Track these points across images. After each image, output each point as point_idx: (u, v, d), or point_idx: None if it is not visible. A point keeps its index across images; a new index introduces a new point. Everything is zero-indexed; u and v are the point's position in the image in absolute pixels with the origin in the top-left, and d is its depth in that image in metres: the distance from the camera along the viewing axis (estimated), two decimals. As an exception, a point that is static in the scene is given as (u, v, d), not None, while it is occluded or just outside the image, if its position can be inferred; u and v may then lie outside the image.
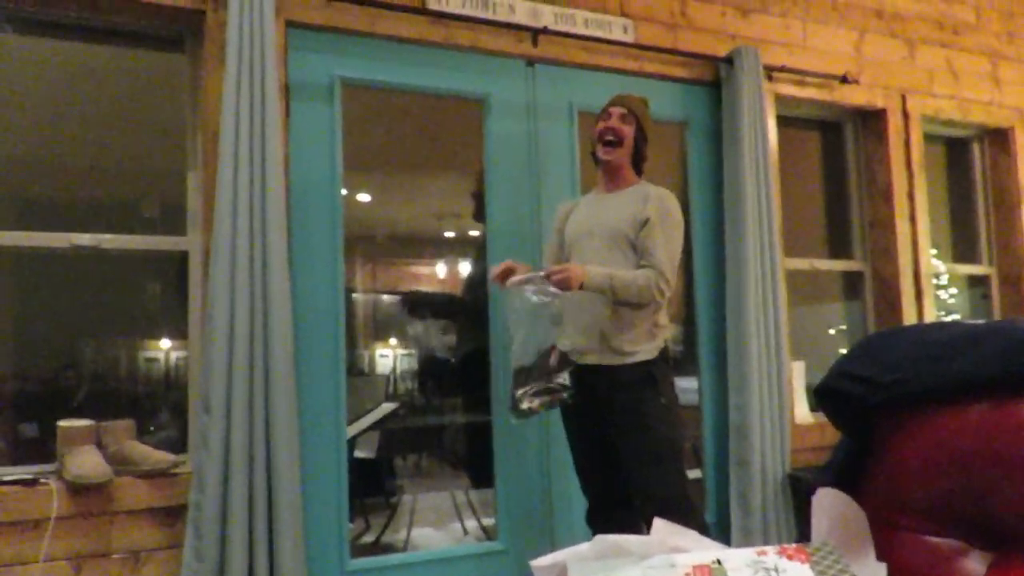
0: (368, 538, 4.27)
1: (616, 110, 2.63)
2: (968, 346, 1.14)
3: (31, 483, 2.34)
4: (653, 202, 2.54)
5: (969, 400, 1.10)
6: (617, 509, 2.60)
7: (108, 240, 2.62)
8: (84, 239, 2.58)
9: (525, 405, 2.36)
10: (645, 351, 2.51)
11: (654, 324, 2.55)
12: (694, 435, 4.06)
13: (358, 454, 4.72)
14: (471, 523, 4.55)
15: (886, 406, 1.17)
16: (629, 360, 2.49)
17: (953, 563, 1.06)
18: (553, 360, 2.38)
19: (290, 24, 2.79)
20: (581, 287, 2.41)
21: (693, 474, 4.73)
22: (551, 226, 2.84)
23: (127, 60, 2.84)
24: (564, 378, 2.37)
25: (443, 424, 7.29)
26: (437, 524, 4.87)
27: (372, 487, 4.89)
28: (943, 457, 1.10)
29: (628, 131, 2.62)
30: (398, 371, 8.17)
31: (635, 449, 2.45)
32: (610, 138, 2.60)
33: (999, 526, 1.05)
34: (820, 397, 1.27)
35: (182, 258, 2.74)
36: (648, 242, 2.50)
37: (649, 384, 2.48)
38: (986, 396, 1.10)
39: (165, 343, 3.51)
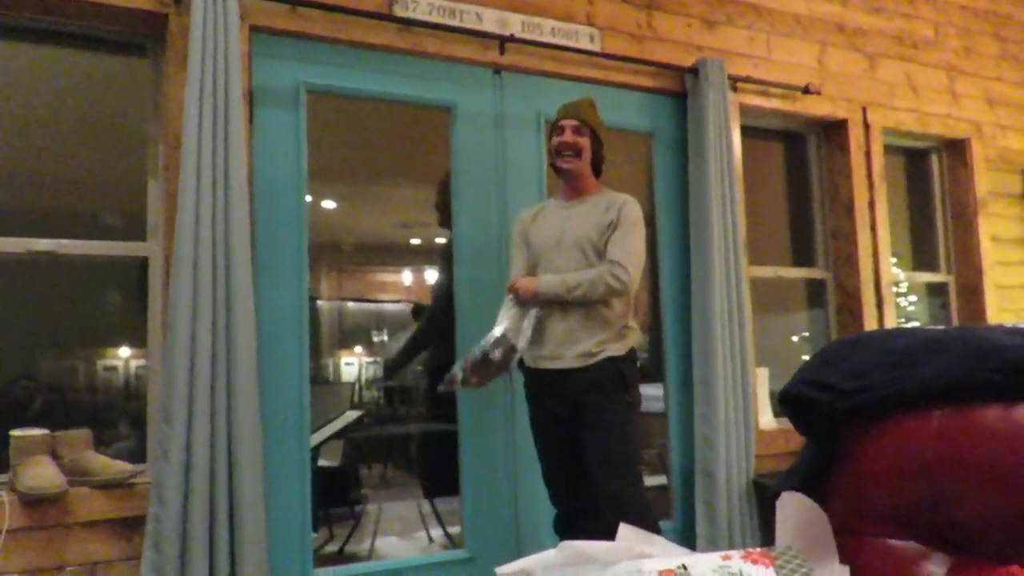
0: (332, 547, 4.23)
1: (568, 123, 2.67)
2: (930, 353, 1.16)
3: (-17, 495, 2.27)
4: (615, 208, 2.61)
5: (931, 406, 1.12)
6: (585, 518, 2.59)
7: (66, 246, 2.56)
8: (41, 244, 2.52)
9: (459, 374, 2.56)
10: (614, 349, 2.56)
11: (624, 326, 2.62)
12: (660, 443, 4.08)
13: (322, 462, 4.67)
14: (436, 532, 4.52)
15: (849, 412, 1.18)
16: (598, 358, 2.54)
17: (914, 567, 1.07)
18: (498, 352, 2.53)
19: (254, 29, 2.76)
20: (535, 297, 2.55)
21: (658, 481, 4.76)
22: (514, 235, 2.85)
23: (87, 65, 2.78)
24: (498, 354, 2.52)
25: (408, 432, 7.25)
26: (402, 533, 4.83)
27: (336, 496, 4.83)
28: (906, 463, 1.12)
29: (584, 142, 2.66)
30: (363, 379, 8.12)
31: (597, 447, 2.47)
32: (568, 153, 2.66)
33: (960, 531, 1.06)
34: (784, 403, 1.28)
35: (141, 267, 2.69)
36: (609, 243, 2.58)
37: (616, 381, 2.54)
38: (948, 402, 1.11)
39: (124, 351, 3.45)
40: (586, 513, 2.57)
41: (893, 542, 1.12)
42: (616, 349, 2.57)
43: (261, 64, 2.79)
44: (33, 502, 2.29)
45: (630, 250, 2.56)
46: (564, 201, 2.75)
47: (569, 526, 2.62)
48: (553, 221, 2.71)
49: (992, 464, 1.04)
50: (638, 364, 2.67)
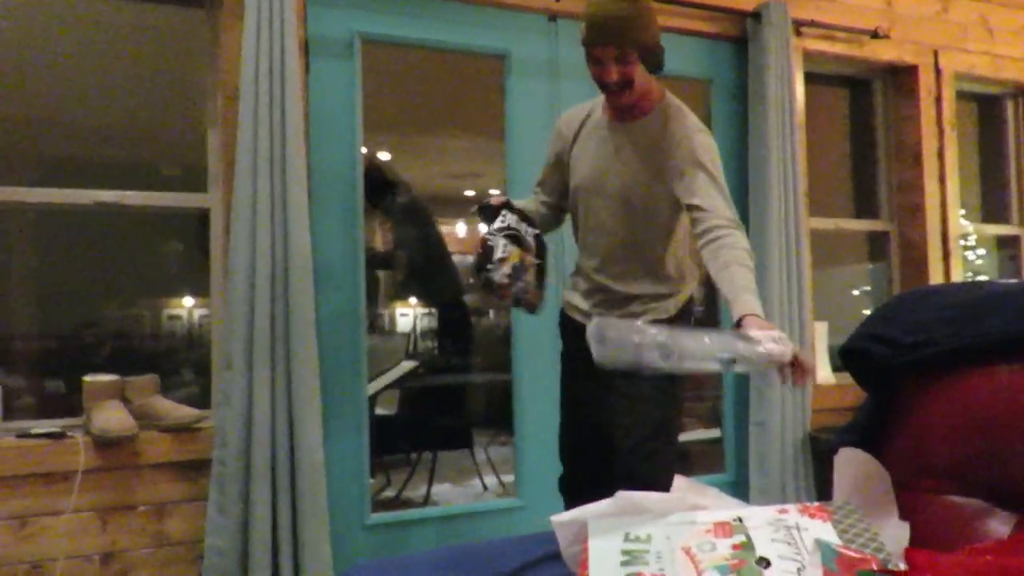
0: (389, 493, 4.33)
1: (606, 53, 1.94)
2: (996, 306, 1.12)
3: (58, 436, 2.38)
4: (685, 141, 2.01)
5: (996, 361, 1.08)
6: (594, 485, 2.16)
7: (130, 197, 2.62)
8: (106, 196, 2.58)
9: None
10: (660, 309, 2.14)
11: (677, 282, 2.18)
12: (713, 395, 4.06)
13: (379, 411, 4.77)
14: (490, 479, 4.60)
15: (911, 367, 1.15)
16: (641, 319, 2.09)
17: (976, 524, 1.05)
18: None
19: (309, -22, 2.75)
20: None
21: (711, 434, 4.74)
22: (549, 143, 2.32)
23: (146, 17, 2.81)
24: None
25: (463, 383, 7.34)
26: (456, 481, 4.93)
27: (392, 444, 4.93)
28: (968, 419, 1.09)
29: (631, 71, 1.95)
30: (418, 330, 8.22)
31: (625, 417, 2.11)
32: (613, 87, 1.99)
33: (1023, 488, 1.04)
34: (845, 358, 1.25)
35: (203, 217, 2.74)
36: (703, 195, 1.96)
37: None
38: (1014, 357, 1.08)
39: (188, 301, 3.54)
40: (597, 483, 2.16)
41: (955, 498, 1.10)
42: (663, 309, 2.14)
43: (316, 14, 2.78)
44: (105, 444, 2.38)
45: (725, 197, 1.98)
46: (612, 120, 2.13)
47: (575, 492, 2.28)
48: (596, 156, 2.14)
49: (1064, 420, 1.01)
50: (692, 322, 2.25)
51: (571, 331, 2.28)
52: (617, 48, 1.91)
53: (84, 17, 2.73)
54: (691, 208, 1.96)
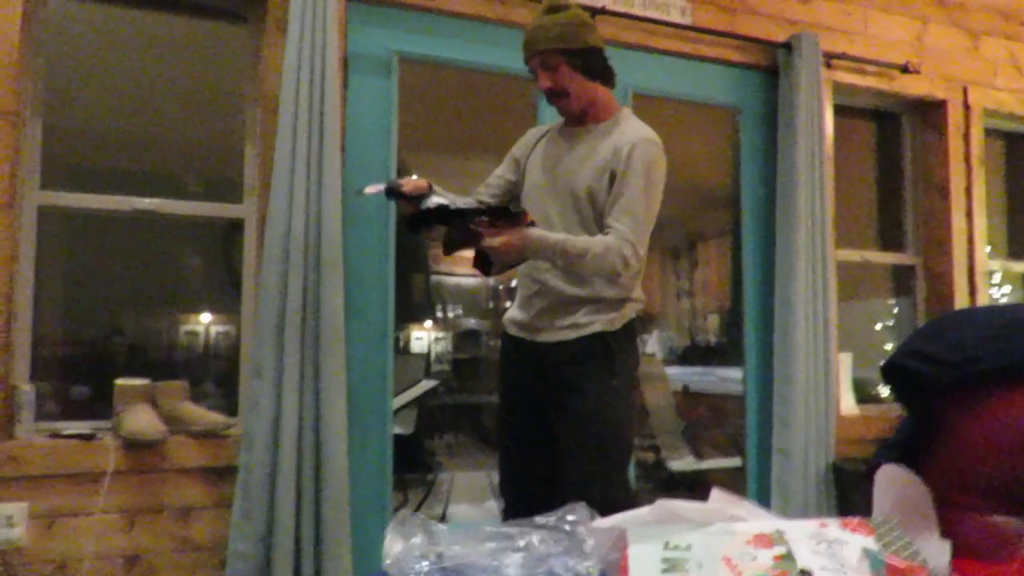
0: (406, 511, 4.34)
1: (533, 63, 2.09)
2: (1044, 325, 1.13)
3: (88, 438, 2.40)
4: (624, 152, 2.03)
5: (1041, 380, 1.10)
6: (533, 483, 2.17)
7: (167, 205, 2.66)
8: (144, 203, 2.63)
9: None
10: (603, 322, 2.09)
11: (624, 298, 2.13)
12: (736, 424, 4.04)
13: (396, 430, 4.78)
14: (507, 502, 4.58)
15: (954, 385, 1.16)
16: (584, 332, 2.08)
17: (1018, 542, 1.05)
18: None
19: (350, -3, 2.82)
20: (518, 253, 1.97)
21: (732, 462, 4.72)
22: (512, 149, 2.36)
23: (189, 31, 2.88)
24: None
25: (480, 403, 7.36)
26: (473, 501, 4.93)
27: (409, 463, 4.94)
28: (1012, 438, 1.09)
29: (563, 77, 2.06)
30: (432, 353, 8.26)
31: (574, 436, 2.04)
32: (553, 97, 2.12)
33: (1070, 507, 1.04)
34: (887, 375, 1.26)
35: (226, 231, 2.79)
36: (616, 201, 2.03)
37: (602, 359, 2.07)
38: (1059, 377, 1.09)
39: (205, 317, 3.58)
40: (536, 479, 2.15)
41: (994, 517, 1.10)
42: (607, 322, 2.09)
43: (356, 32, 2.84)
44: (134, 447, 2.41)
45: (637, 218, 2.01)
46: (566, 128, 2.21)
47: (511, 490, 2.22)
48: (546, 157, 2.19)
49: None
50: (634, 339, 2.18)
51: (508, 349, 2.26)
52: (539, 56, 2.06)
53: (128, 29, 2.80)
54: (606, 218, 2.05)
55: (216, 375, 3.28)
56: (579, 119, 2.17)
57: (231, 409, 2.71)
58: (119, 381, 2.47)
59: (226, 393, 2.89)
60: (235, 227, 2.81)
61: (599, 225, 2.08)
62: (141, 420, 2.40)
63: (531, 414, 2.16)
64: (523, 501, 2.13)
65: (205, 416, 2.52)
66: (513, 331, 2.23)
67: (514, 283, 2.37)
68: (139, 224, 2.81)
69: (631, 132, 2.08)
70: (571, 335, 2.09)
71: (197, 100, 2.95)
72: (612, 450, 2.04)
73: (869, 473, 1.17)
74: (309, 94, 2.55)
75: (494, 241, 1.93)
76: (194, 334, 3.63)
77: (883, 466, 1.12)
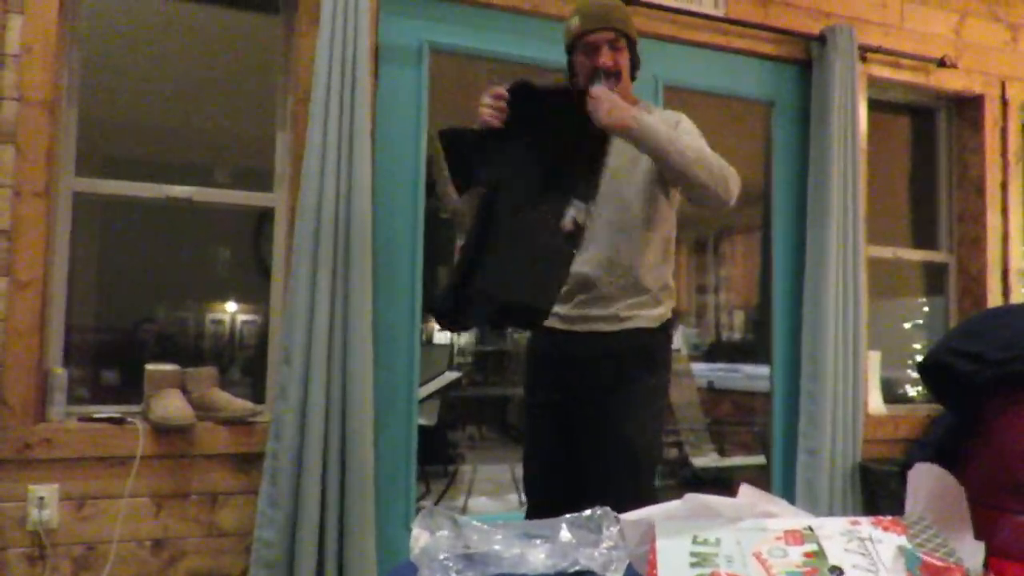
0: (427, 502, 4.35)
1: (602, 37, 1.99)
2: (1090, 324, 1.11)
3: (119, 422, 2.43)
4: (669, 122, 2.01)
5: (1087, 380, 1.07)
6: (559, 483, 2.12)
7: (200, 193, 2.69)
8: (177, 191, 2.66)
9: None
10: (645, 318, 2.05)
11: (663, 285, 2.10)
12: (762, 422, 4.01)
13: (419, 421, 4.80)
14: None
15: (995, 384, 1.13)
16: (624, 326, 2.03)
17: (1058, 545, 1.04)
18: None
19: (382, -13, 2.82)
20: (628, 133, 1.80)
21: (756, 460, 4.69)
22: None
23: (222, 20, 2.90)
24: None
25: (504, 396, 7.37)
26: (493, 494, 4.93)
27: (432, 454, 4.96)
28: (1054, 438, 1.07)
29: (623, 61, 2.03)
30: (456, 345, 8.28)
31: (606, 437, 2.00)
32: (605, 75, 2.00)
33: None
34: (925, 372, 1.24)
35: (258, 221, 2.80)
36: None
37: (641, 357, 2.04)
38: (1105, 377, 1.07)
39: (231, 306, 3.61)
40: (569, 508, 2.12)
41: (1034, 519, 1.08)
42: (648, 318, 2.05)
43: (388, 21, 2.84)
44: (163, 431, 2.43)
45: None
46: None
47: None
48: None
49: None
50: (671, 338, 2.14)
51: (541, 342, 2.17)
52: (614, 32, 1.99)
53: (162, 19, 2.83)
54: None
55: (243, 363, 3.30)
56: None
57: (257, 397, 2.73)
58: (149, 366, 2.50)
59: (253, 382, 2.91)
60: (265, 216, 2.82)
61: (642, 217, 2.04)
62: (170, 405, 2.42)
63: (561, 411, 2.10)
64: (550, 501, 2.06)
65: (234, 403, 2.54)
66: (551, 322, 2.06)
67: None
68: (171, 213, 2.84)
69: (663, 114, 2.07)
70: (611, 327, 2.03)
71: (229, 90, 2.97)
72: (641, 453, 2.00)
73: (903, 471, 1.15)
74: (340, 84, 2.56)
75: (607, 93, 1.80)
76: (220, 323, 3.66)
77: (917, 465, 1.10)
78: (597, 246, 2.04)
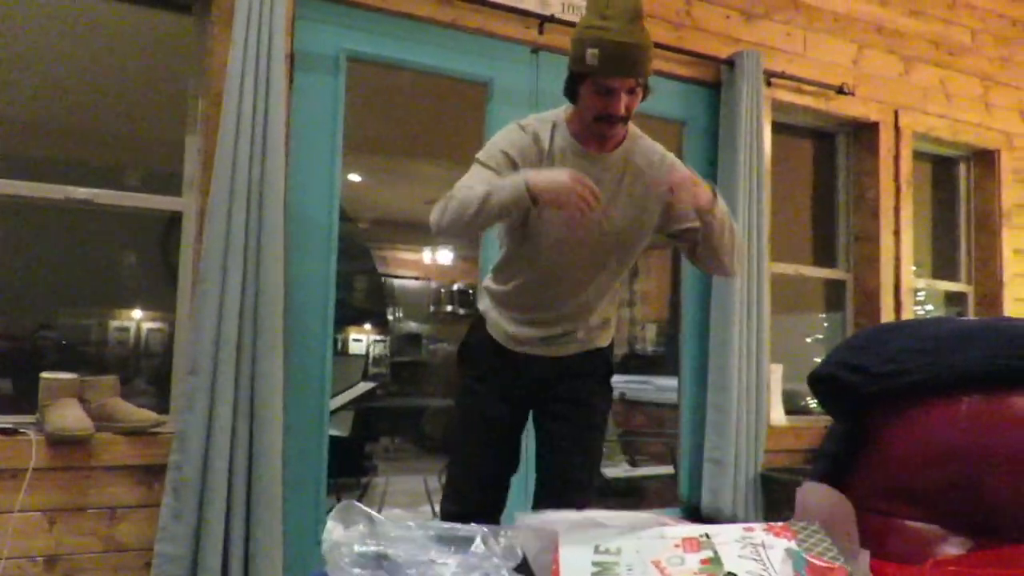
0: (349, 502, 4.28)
1: (624, 84, 1.80)
2: (962, 340, 1.18)
3: (10, 433, 2.32)
4: (668, 166, 1.98)
5: (960, 393, 1.14)
6: (502, 489, 2.13)
7: (102, 196, 2.59)
8: (79, 193, 2.56)
9: None
10: (608, 335, 2.16)
11: (613, 310, 2.20)
12: (671, 433, 4.10)
13: (332, 432, 4.73)
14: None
15: (880, 396, 1.20)
16: (589, 347, 2.11)
17: (933, 548, 1.10)
18: None
19: (300, -7, 2.79)
20: (710, 212, 1.85)
21: (665, 470, 4.79)
22: (499, 156, 1.92)
23: (132, 20, 2.82)
24: None
25: (419, 407, 7.32)
26: (408, 506, 4.89)
27: (345, 466, 4.89)
28: (933, 448, 1.14)
29: (636, 103, 1.87)
30: (371, 356, 8.19)
31: (575, 444, 2.07)
32: (618, 121, 1.88)
33: (984, 514, 1.09)
34: (815, 384, 1.30)
35: (166, 227, 2.73)
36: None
37: (602, 373, 2.15)
38: (977, 390, 1.14)
39: (136, 313, 3.50)
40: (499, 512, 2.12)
41: (915, 524, 1.14)
42: (603, 338, 2.14)
43: (305, 28, 2.81)
44: (59, 443, 2.33)
45: None
46: (590, 149, 1.94)
47: (488, 516, 2.00)
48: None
49: (1021, 451, 1.07)
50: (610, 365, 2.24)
51: (497, 362, 2.10)
52: (637, 79, 1.81)
53: (70, 17, 2.73)
54: (688, 231, 1.99)
55: (148, 372, 3.20)
56: (610, 139, 1.94)
57: (162, 407, 2.64)
58: (45, 374, 2.39)
59: (157, 391, 2.82)
60: (173, 221, 2.75)
61: (629, 255, 2.07)
62: (67, 415, 2.33)
63: (514, 425, 2.13)
64: (491, 505, 2.08)
65: (135, 413, 2.45)
66: (512, 346, 2.07)
67: (456, 286, 2.33)
68: (74, 216, 2.73)
69: (655, 144, 2.03)
70: (578, 349, 2.09)
71: (137, 90, 2.88)
72: (599, 455, 2.16)
73: (795, 487, 1.21)
74: (254, 89, 2.52)
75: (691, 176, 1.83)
76: (125, 330, 3.54)
77: (806, 483, 1.16)
78: (579, 279, 2.02)
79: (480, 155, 1.94)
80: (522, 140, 1.94)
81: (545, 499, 2.05)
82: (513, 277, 2.05)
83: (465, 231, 1.86)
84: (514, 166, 1.89)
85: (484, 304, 2.16)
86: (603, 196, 1.79)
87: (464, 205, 1.78)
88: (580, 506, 1.79)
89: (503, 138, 1.96)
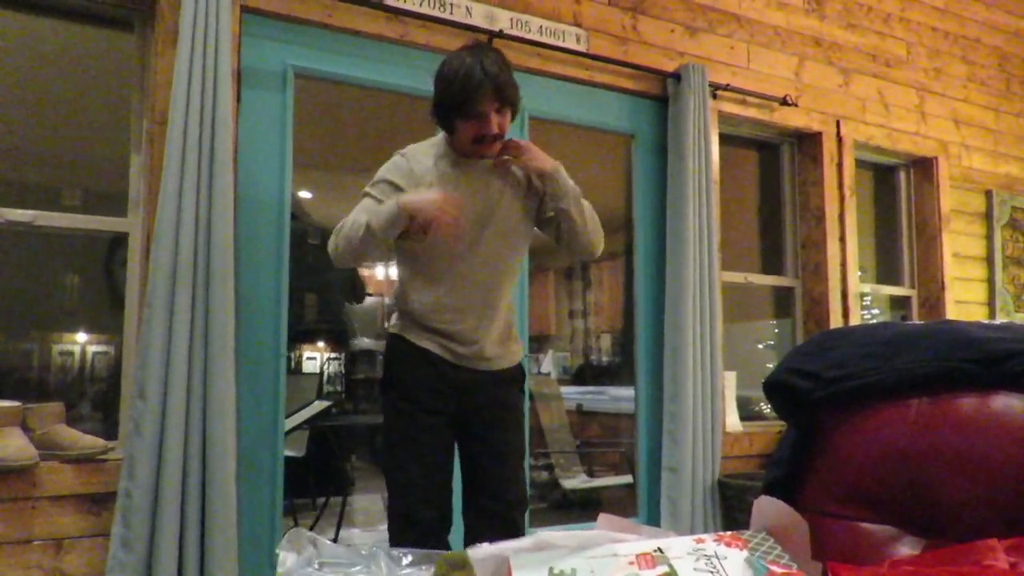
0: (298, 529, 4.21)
1: (491, 107, 2.01)
2: (909, 344, 1.21)
3: (-51, 465, 2.24)
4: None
5: (908, 396, 1.18)
6: (449, 499, 2.17)
7: (43, 217, 2.53)
8: (18, 215, 2.49)
9: None
10: (519, 351, 2.30)
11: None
12: (628, 442, 4.13)
13: (287, 452, 4.65)
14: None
15: (830, 401, 1.23)
16: (514, 361, 2.26)
17: (887, 548, 1.12)
18: None
19: (245, 10, 2.76)
20: (547, 174, 2.10)
21: (623, 479, 4.81)
22: (386, 184, 2.09)
23: (71, 36, 2.76)
24: None
25: (375, 424, 7.24)
26: (366, 525, 4.83)
27: (301, 486, 4.81)
28: (883, 450, 1.17)
29: (507, 121, 2.07)
30: (326, 374, 8.08)
31: (508, 447, 2.19)
32: (493, 140, 2.06)
33: (935, 514, 1.12)
34: (768, 391, 1.33)
35: (109, 248, 2.67)
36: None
37: (521, 382, 2.29)
38: (924, 392, 1.17)
39: (81, 337, 3.41)
40: (467, 516, 2.20)
41: (867, 525, 1.17)
42: (522, 351, 2.34)
43: (251, 45, 2.78)
44: (1, 474, 2.25)
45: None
46: (463, 160, 2.12)
47: (439, 535, 2.12)
48: (471, 188, 2.10)
49: (968, 451, 1.10)
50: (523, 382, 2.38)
51: (429, 374, 2.15)
52: (509, 107, 2.05)
53: (6, 32, 2.66)
54: (551, 219, 2.19)
55: (94, 398, 3.11)
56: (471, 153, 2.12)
57: (109, 433, 2.57)
58: (-15, 404, 2.31)
59: (104, 417, 2.75)
60: (117, 242, 2.69)
61: (520, 254, 2.28)
62: (9, 445, 2.25)
63: (448, 434, 2.18)
64: (444, 517, 2.13)
65: (81, 440, 2.38)
66: (448, 356, 2.14)
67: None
68: (12, 238, 2.65)
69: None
70: (508, 363, 2.23)
71: (79, 109, 2.82)
72: (522, 457, 2.29)
73: (746, 495, 1.22)
74: (200, 106, 2.48)
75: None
76: (69, 354, 3.43)
77: (761, 497, 1.18)
78: (489, 286, 2.17)
79: (367, 187, 2.13)
80: (404, 166, 2.12)
81: (485, 507, 2.15)
82: (420, 293, 2.15)
83: (359, 258, 2.08)
84: (399, 191, 2.05)
85: (398, 326, 2.20)
86: (488, 194, 2.11)
87: (350, 236, 2.00)
88: (521, 513, 2.11)
89: (386, 168, 2.14)
